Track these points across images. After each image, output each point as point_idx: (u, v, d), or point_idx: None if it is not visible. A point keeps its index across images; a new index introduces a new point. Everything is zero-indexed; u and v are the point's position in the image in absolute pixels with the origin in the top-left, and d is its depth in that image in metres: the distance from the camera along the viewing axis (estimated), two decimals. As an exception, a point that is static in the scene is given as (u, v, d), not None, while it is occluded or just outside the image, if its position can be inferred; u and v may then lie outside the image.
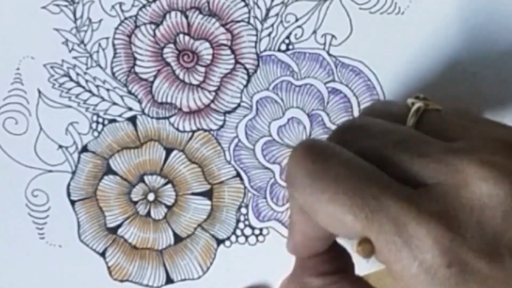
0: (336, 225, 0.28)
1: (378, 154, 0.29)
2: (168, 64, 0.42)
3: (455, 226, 0.26)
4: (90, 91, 0.42)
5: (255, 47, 0.42)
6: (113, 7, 0.42)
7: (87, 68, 0.42)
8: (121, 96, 0.42)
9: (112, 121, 0.42)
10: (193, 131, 0.42)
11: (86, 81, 0.42)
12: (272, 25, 0.42)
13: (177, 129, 0.42)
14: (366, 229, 0.27)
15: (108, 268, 0.42)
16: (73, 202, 0.42)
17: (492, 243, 0.26)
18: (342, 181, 0.27)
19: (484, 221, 0.26)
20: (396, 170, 0.28)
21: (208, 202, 0.42)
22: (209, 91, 0.42)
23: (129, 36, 0.42)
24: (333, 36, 0.42)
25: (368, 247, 0.27)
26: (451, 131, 0.30)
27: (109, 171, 0.42)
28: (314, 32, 0.42)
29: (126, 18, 0.42)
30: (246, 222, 0.42)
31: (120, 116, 0.42)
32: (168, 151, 0.42)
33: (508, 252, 0.26)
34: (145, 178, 0.42)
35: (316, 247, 0.32)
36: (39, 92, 0.42)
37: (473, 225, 0.26)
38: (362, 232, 0.27)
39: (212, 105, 0.42)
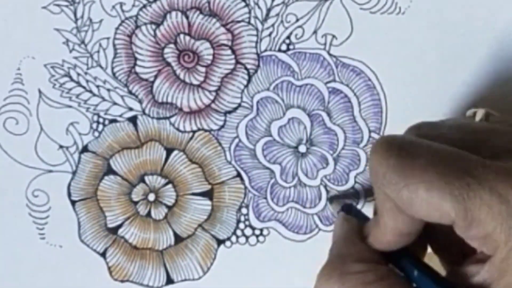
0: (433, 212, 0.28)
1: (458, 139, 0.30)
2: (168, 64, 0.42)
3: None
4: (90, 91, 0.42)
5: (256, 47, 0.42)
6: (113, 7, 0.42)
7: (88, 68, 0.42)
8: (122, 96, 0.42)
9: (113, 121, 0.42)
10: (194, 131, 0.42)
11: (87, 81, 0.42)
12: (272, 25, 0.42)
13: (178, 129, 0.42)
14: (466, 206, 0.27)
15: (109, 268, 0.42)
16: (73, 202, 0.42)
17: None
18: (433, 167, 0.28)
19: None
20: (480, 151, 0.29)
21: (209, 202, 0.42)
22: (210, 91, 0.42)
23: (130, 36, 0.42)
24: (333, 36, 0.42)
25: None
26: None
27: (110, 171, 0.42)
28: (315, 32, 0.42)
29: (126, 18, 0.42)
30: (247, 223, 0.42)
31: (120, 116, 0.42)
32: (169, 151, 0.42)
33: None
34: (146, 178, 0.42)
35: (407, 241, 0.32)
36: (40, 92, 0.42)
37: None
38: (461, 211, 0.27)
39: (213, 105, 0.42)
